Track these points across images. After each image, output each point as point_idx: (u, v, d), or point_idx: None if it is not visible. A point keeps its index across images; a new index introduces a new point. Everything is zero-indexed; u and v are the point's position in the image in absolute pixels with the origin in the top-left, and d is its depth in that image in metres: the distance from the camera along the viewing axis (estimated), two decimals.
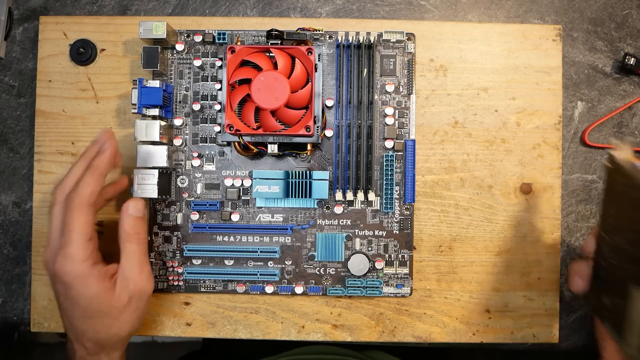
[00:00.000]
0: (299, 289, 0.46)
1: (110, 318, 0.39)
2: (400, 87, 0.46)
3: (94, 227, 0.39)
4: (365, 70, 0.45)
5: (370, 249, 0.46)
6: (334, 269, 0.46)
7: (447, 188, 0.47)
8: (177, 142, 0.46)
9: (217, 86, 0.45)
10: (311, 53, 0.42)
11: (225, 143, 0.46)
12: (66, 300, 0.39)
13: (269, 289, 0.46)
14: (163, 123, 0.44)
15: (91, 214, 0.38)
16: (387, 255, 0.46)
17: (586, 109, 0.48)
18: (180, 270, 0.46)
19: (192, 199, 0.46)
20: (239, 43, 0.45)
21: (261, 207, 0.46)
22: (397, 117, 0.46)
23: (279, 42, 0.44)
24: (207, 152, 0.46)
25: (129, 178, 0.45)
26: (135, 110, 0.43)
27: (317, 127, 0.43)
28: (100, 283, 0.38)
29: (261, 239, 0.46)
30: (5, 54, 0.48)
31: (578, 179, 0.48)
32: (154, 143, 0.44)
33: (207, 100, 0.46)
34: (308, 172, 0.44)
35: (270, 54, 0.43)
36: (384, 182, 0.45)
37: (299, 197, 0.43)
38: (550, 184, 0.47)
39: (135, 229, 0.40)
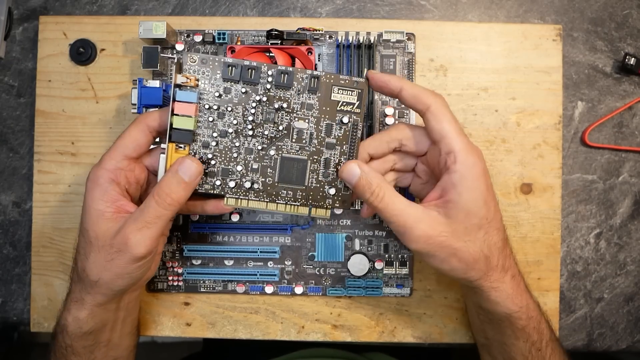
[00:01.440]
0: (298, 289, 0.46)
1: (90, 246, 0.36)
2: None
3: (141, 151, 0.37)
4: (366, 70, 0.45)
5: (370, 249, 0.46)
6: (333, 269, 0.46)
7: None
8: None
9: None
10: (311, 53, 0.42)
11: None
12: (84, 197, 0.37)
13: (269, 289, 0.46)
14: None
15: (145, 136, 0.37)
16: (387, 256, 0.46)
17: (586, 109, 0.48)
18: (180, 271, 0.46)
19: None
20: (239, 43, 0.45)
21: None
22: (397, 117, 0.46)
23: (279, 42, 0.44)
24: None
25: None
26: (135, 110, 0.43)
27: None
28: (102, 202, 0.35)
29: (261, 239, 0.46)
30: (5, 54, 0.48)
31: (578, 179, 0.48)
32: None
33: None
34: None
35: (270, 54, 0.43)
36: None
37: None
38: (550, 184, 0.47)
39: (170, 190, 0.35)
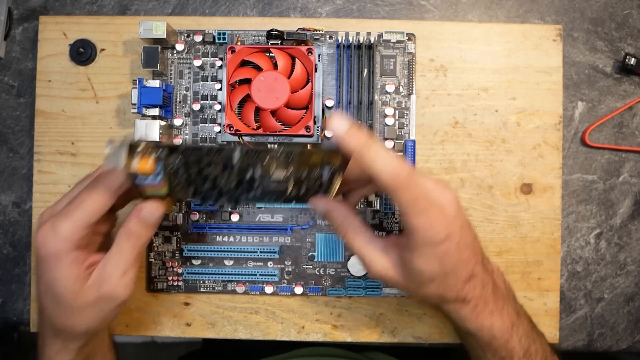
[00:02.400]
0: (298, 290, 0.45)
1: (71, 308, 0.35)
2: (401, 87, 0.46)
3: (102, 213, 0.35)
4: (366, 70, 0.45)
5: None
6: (333, 270, 0.46)
7: None
8: (177, 142, 0.46)
9: (217, 86, 0.45)
10: (311, 53, 0.42)
11: (225, 143, 0.46)
12: (37, 268, 0.35)
13: (269, 289, 0.46)
14: (163, 123, 0.44)
15: (109, 200, 0.34)
16: None
17: (586, 109, 0.48)
18: (180, 271, 0.46)
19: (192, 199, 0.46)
20: (239, 43, 0.45)
21: (261, 207, 0.46)
22: (397, 117, 0.46)
23: (279, 42, 0.44)
24: None
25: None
26: (135, 110, 0.43)
27: (317, 127, 0.43)
28: (72, 268, 0.34)
29: (261, 239, 0.46)
30: (5, 54, 0.48)
31: (578, 179, 0.48)
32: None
33: (207, 100, 0.46)
34: None
35: (270, 54, 0.43)
36: None
37: None
38: (550, 184, 0.47)
39: (140, 231, 0.35)
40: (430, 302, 0.39)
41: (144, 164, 0.32)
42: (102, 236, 0.38)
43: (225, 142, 0.45)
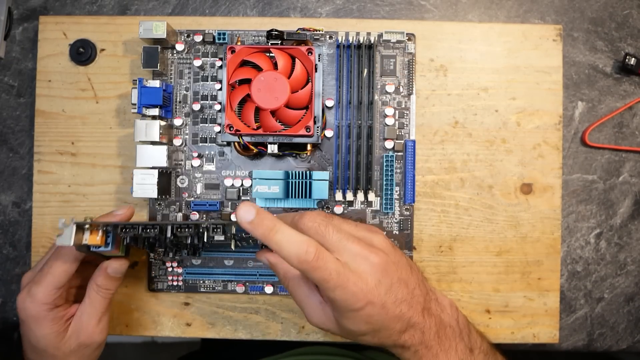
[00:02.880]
0: None
1: (55, 358, 0.39)
2: (401, 87, 0.46)
3: (70, 277, 0.39)
4: (366, 70, 0.45)
5: None
6: None
7: (447, 188, 0.47)
8: (177, 142, 0.46)
9: (217, 86, 0.45)
10: (311, 53, 0.42)
11: (225, 143, 0.46)
12: (21, 327, 0.40)
13: (269, 289, 0.46)
14: (163, 123, 0.44)
15: (73, 265, 0.38)
16: None
17: (586, 109, 0.48)
18: (179, 270, 0.46)
19: (192, 199, 0.46)
20: (239, 43, 0.45)
21: (261, 207, 0.46)
22: (397, 117, 0.46)
23: (279, 42, 0.44)
24: (207, 152, 0.46)
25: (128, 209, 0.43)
26: (135, 110, 0.43)
27: (317, 127, 0.43)
28: (53, 326, 0.38)
29: None
30: (5, 54, 0.48)
31: (578, 179, 0.48)
32: (153, 143, 0.44)
33: (207, 100, 0.46)
34: (308, 172, 0.43)
35: (271, 54, 0.43)
36: (384, 183, 0.45)
37: (299, 197, 0.43)
38: (550, 184, 0.47)
39: (108, 285, 0.40)
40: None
41: (93, 239, 0.36)
42: (76, 289, 0.42)
43: (225, 142, 0.45)
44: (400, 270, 0.37)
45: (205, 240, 0.38)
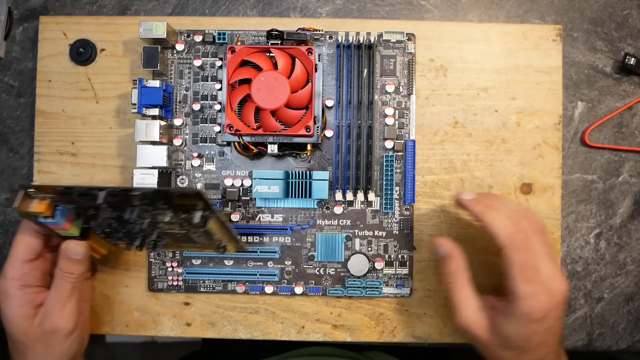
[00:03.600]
0: (298, 289, 0.46)
1: (24, 345, 0.39)
2: (400, 87, 0.46)
3: (37, 252, 0.39)
4: (366, 70, 0.45)
5: (370, 249, 0.46)
6: (333, 269, 0.46)
7: (447, 188, 0.47)
8: (177, 142, 0.46)
9: (217, 86, 0.45)
10: (311, 53, 0.42)
11: (225, 143, 0.46)
12: None
13: (269, 289, 0.46)
14: (163, 123, 0.44)
15: (34, 239, 0.39)
16: (387, 256, 0.46)
17: (586, 109, 0.48)
18: (179, 270, 0.46)
19: None
20: (239, 43, 0.45)
21: (261, 207, 0.46)
22: (397, 117, 0.46)
23: (279, 42, 0.44)
24: (207, 152, 0.46)
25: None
26: (135, 110, 0.43)
27: (317, 127, 0.43)
28: (21, 308, 0.38)
29: (261, 239, 0.46)
30: (5, 54, 0.48)
31: (578, 179, 0.48)
32: (153, 143, 0.44)
33: (207, 100, 0.46)
34: (308, 172, 0.44)
35: (271, 54, 0.43)
36: (384, 183, 0.45)
37: (298, 197, 0.43)
38: (550, 184, 0.47)
39: (69, 269, 0.39)
40: None
41: (40, 207, 0.36)
42: (49, 275, 0.41)
43: (225, 142, 0.46)
44: (563, 309, 0.39)
45: (147, 222, 0.37)
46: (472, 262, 0.47)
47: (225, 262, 0.46)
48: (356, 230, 0.46)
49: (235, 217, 0.46)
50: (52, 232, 0.39)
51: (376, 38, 0.46)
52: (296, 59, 0.43)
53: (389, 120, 0.46)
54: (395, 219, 0.46)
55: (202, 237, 0.39)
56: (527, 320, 0.36)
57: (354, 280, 0.46)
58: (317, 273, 0.46)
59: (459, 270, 0.40)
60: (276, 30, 0.43)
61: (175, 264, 0.46)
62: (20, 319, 0.38)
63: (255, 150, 0.44)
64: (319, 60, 0.44)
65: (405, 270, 0.46)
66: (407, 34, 0.46)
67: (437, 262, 0.41)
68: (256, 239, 0.46)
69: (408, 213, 0.46)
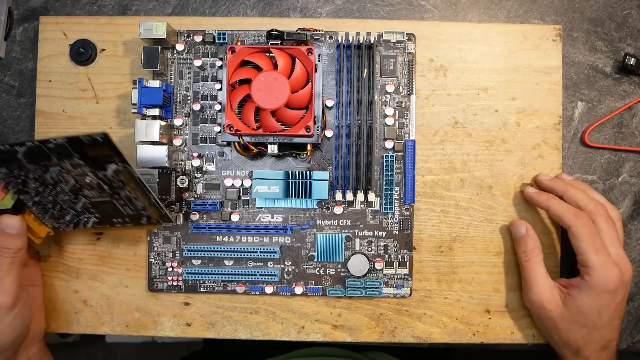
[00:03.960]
0: (298, 290, 0.46)
1: None
2: (400, 87, 0.46)
3: None
4: (365, 70, 0.45)
5: (370, 249, 0.46)
6: (333, 270, 0.46)
7: (447, 188, 0.47)
8: (177, 142, 0.46)
9: (217, 86, 0.45)
10: (311, 53, 0.42)
11: (225, 143, 0.46)
12: None
13: (269, 289, 0.46)
14: (163, 123, 0.44)
15: None
16: (386, 256, 0.46)
17: (586, 109, 0.48)
18: (180, 271, 0.46)
19: (192, 199, 0.46)
20: (239, 43, 0.45)
21: (261, 208, 0.46)
22: (397, 117, 0.46)
23: (279, 42, 0.44)
24: (207, 152, 0.46)
25: None
26: (135, 110, 0.43)
27: (317, 127, 0.43)
28: None
29: (261, 239, 0.46)
30: (5, 54, 0.48)
31: (578, 179, 0.48)
32: (153, 143, 0.44)
33: (207, 100, 0.46)
34: (308, 172, 0.44)
35: (271, 54, 0.43)
36: (384, 183, 0.45)
37: (298, 197, 0.43)
38: None
39: (5, 244, 0.39)
40: (559, 351, 0.44)
41: None
42: None
43: (225, 142, 0.46)
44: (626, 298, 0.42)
45: (71, 185, 0.38)
46: (473, 261, 0.47)
47: (225, 262, 0.46)
48: (356, 231, 0.46)
49: (235, 217, 0.46)
50: None
51: (376, 38, 0.46)
52: (296, 59, 0.43)
53: (389, 120, 0.46)
54: (395, 219, 0.46)
55: (125, 206, 0.40)
56: (601, 290, 0.39)
57: (354, 281, 0.46)
58: (317, 273, 0.46)
59: (535, 249, 0.43)
60: (276, 31, 0.43)
61: (175, 264, 0.46)
62: None
63: (255, 150, 0.44)
64: (319, 60, 0.44)
65: (405, 271, 0.46)
66: (407, 34, 0.46)
67: (514, 242, 0.45)
68: (256, 239, 0.46)
69: (408, 213, 0.46)
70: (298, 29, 0.45)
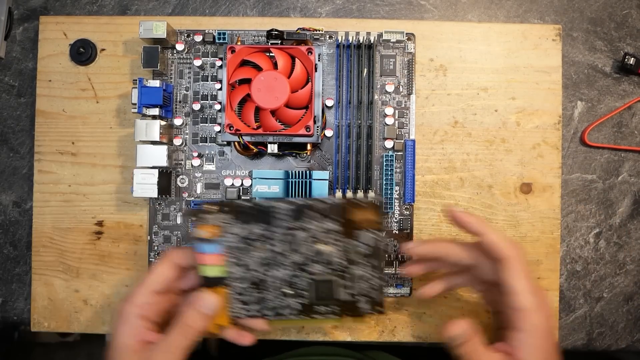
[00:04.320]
0: None
1: None
2: (400, 87, 0.46)
3: (168, 285, 0.38)
4: (365, 70, 0.45)
5: None
6: None
7: (447, 188, 0.47)
8: (177, 141, 0.46)
9: (217, 86, 0.45)
10: (311, 53, 0.42)
11: (225, 143, 0.46)
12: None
13: None
14: (163, 123, 0.44)
15: (171, 269, 0.38)
16: (387, 256, 0.46)
17: (586, 108, 0.48)
18: None
19: (192, 198, 0.46)
20: (239, 43, 0.45)
21: None
22: (397, 117, 0.46)
23: (279, 42, 0.44)
24: (207, 152, 0.46)
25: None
26: (135, 110, 0.43)
27: (317, 127, 0.43)
28: (130, 338, 0.37)
29: None
30: (6, 54, 0.48)
31: (578, 179, 0.48)
32: (154, 143, 0.44)
33: (207, 100, 0.46)
34: (308, 172, 0.44)
35: (270, 54, 0.43)
36: (384, 182, 0.45)
37: (299, 197, 0.43)
38: (550, 183, 0.47)
39: (193, 323, 0.37)
40: None
41: (208, 227, 0.37)
42: (167, 315, 0.39)
43: (225, 142, 0.46)
44: None
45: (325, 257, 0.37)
46: None
47: None
48: None
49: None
50: (194, 265, 0.38)
51: (376, 38, 0.46)
52: (296, 59, 0.43)
53: (389, 120, 0.46)
54: (395, 218, 0.46)
55: (345, 288, 0.38)
56: (542, 335, 0.36)
57: None
58: None
59: (476, 345, 0.38)
60: (276, 30, 0.43)
61: None
62: (125, 347, 0.37)
63: (255, 150, 0.44)
64: (319, 60, 0.44)
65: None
66: (407, 33, 0.46)
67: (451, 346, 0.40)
68: None
69: (408, 213, 0.46)
70: (298, 28, 0.45)
